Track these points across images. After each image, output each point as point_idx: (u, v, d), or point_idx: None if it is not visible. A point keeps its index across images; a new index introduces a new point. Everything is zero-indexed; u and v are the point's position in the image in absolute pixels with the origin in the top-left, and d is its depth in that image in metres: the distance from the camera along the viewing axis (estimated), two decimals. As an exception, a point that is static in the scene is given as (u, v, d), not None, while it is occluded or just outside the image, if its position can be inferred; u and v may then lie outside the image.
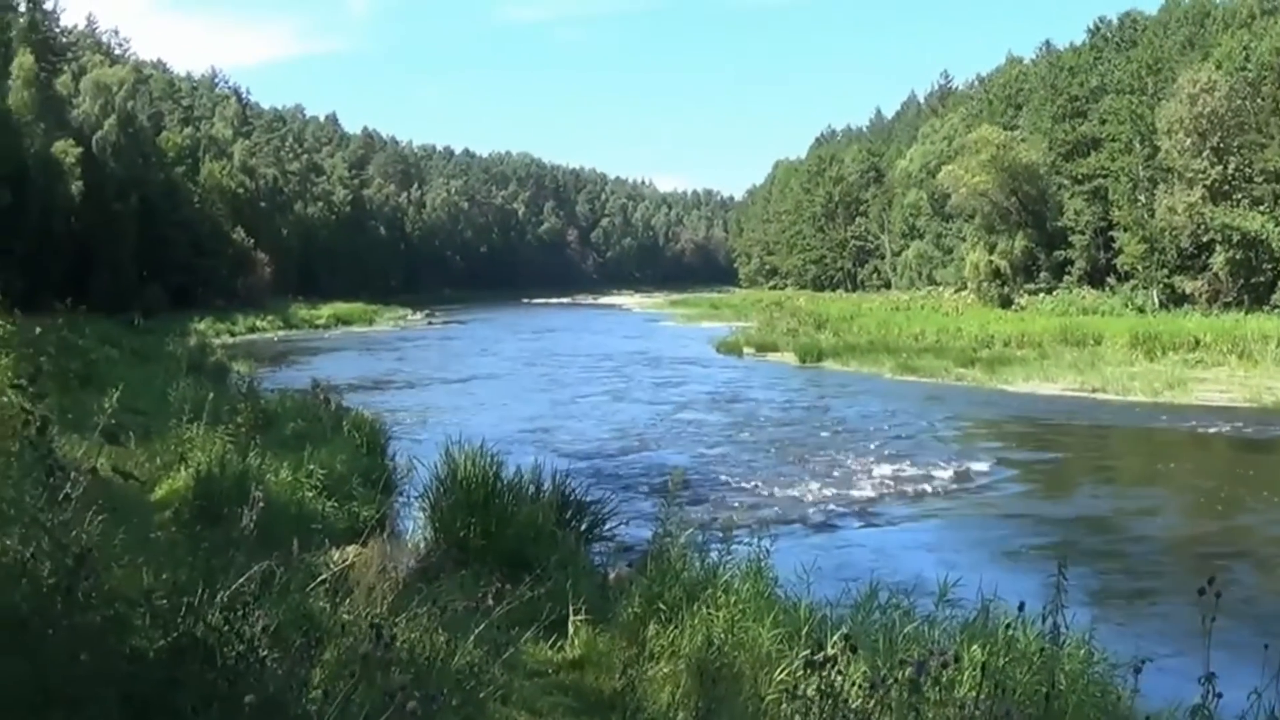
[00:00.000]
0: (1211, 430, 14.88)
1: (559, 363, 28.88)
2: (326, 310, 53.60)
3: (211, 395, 8.95)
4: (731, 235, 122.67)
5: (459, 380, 24.40)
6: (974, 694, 2.69)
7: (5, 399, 4.27)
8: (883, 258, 68.67)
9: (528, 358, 31.22)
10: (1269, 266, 29.95)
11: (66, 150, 35.89)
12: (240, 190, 58.00)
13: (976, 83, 66.19)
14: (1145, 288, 33.76)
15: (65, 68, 43.17)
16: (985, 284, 40.37)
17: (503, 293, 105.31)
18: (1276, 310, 28.62)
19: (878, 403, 19.00)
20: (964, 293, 42.42)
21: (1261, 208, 30.02)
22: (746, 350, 31.20)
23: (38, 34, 39.21)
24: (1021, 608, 3.34)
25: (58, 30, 44.91)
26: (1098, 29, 45.42)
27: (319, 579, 3.94)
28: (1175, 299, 32.57)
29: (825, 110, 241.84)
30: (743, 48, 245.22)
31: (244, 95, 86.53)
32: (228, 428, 7.88)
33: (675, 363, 28.49)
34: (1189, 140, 31.02)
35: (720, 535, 5.93)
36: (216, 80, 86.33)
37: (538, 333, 44.95)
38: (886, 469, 12.15)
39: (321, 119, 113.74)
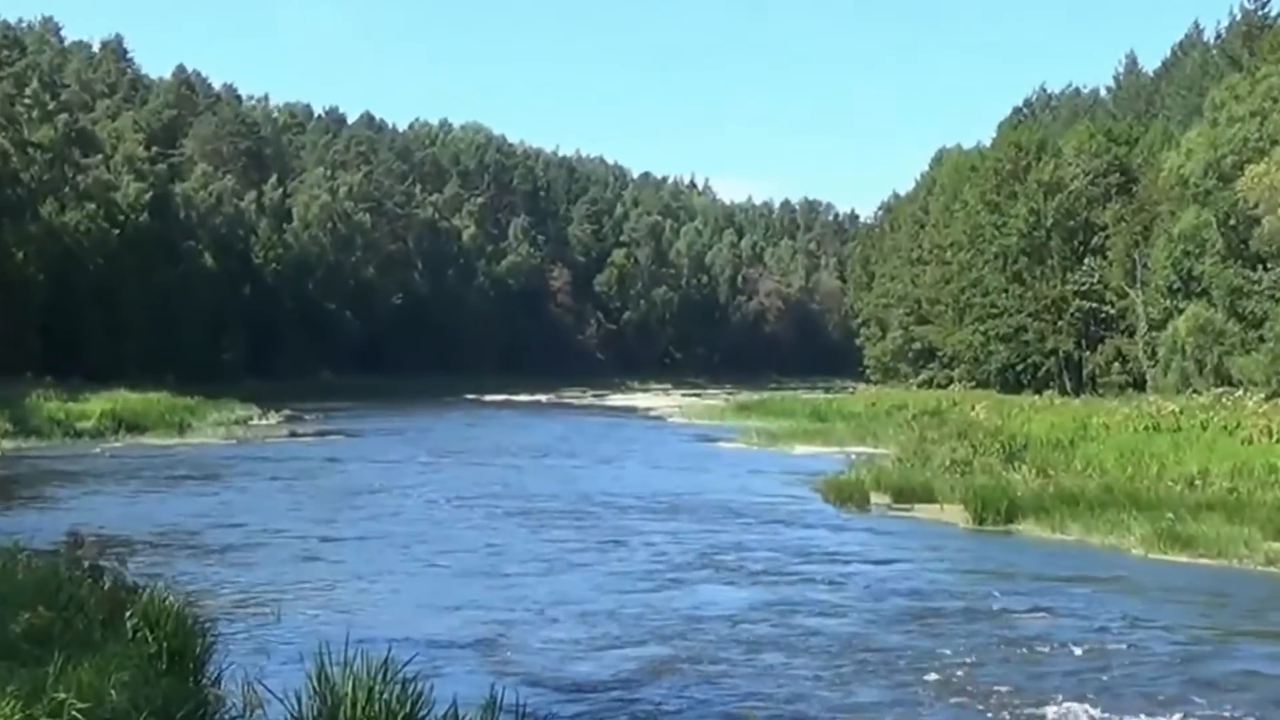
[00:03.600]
0: None
1: (532, 515, 29.68)
2: (99, 404, 53.95)
3: None
4: (851, 285, 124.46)
5: (346, 537, 25.14)
6: None
7: None
8: (1131, 333, 69.32)
9: (473, 498, 32.19)
10: None
11: None
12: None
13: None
14: None
15: None
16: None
17: (432, 381, 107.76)
18: None
19: (1120, 604, 19.04)
20: (1283, 402, 42.57)
21: None
22: (877, 498, 31.90)
23: None
24: None
25: None
26: None
27: None
28: None
29: (1021, 61, 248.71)
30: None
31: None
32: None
33: (743, 518, 29.21)
34: None
35: None
36: None
37: (492, 457, 46.12)
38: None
39: (96, 48, 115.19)
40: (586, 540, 25.16)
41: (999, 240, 77.26)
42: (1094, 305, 72.45)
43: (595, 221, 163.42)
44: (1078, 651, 15.69)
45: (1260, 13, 72.76)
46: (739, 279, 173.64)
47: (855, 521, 28.96)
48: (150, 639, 10.83)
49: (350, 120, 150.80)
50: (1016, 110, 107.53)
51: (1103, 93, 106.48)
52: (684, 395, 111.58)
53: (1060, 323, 73.80)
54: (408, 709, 9.77)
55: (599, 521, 28.23)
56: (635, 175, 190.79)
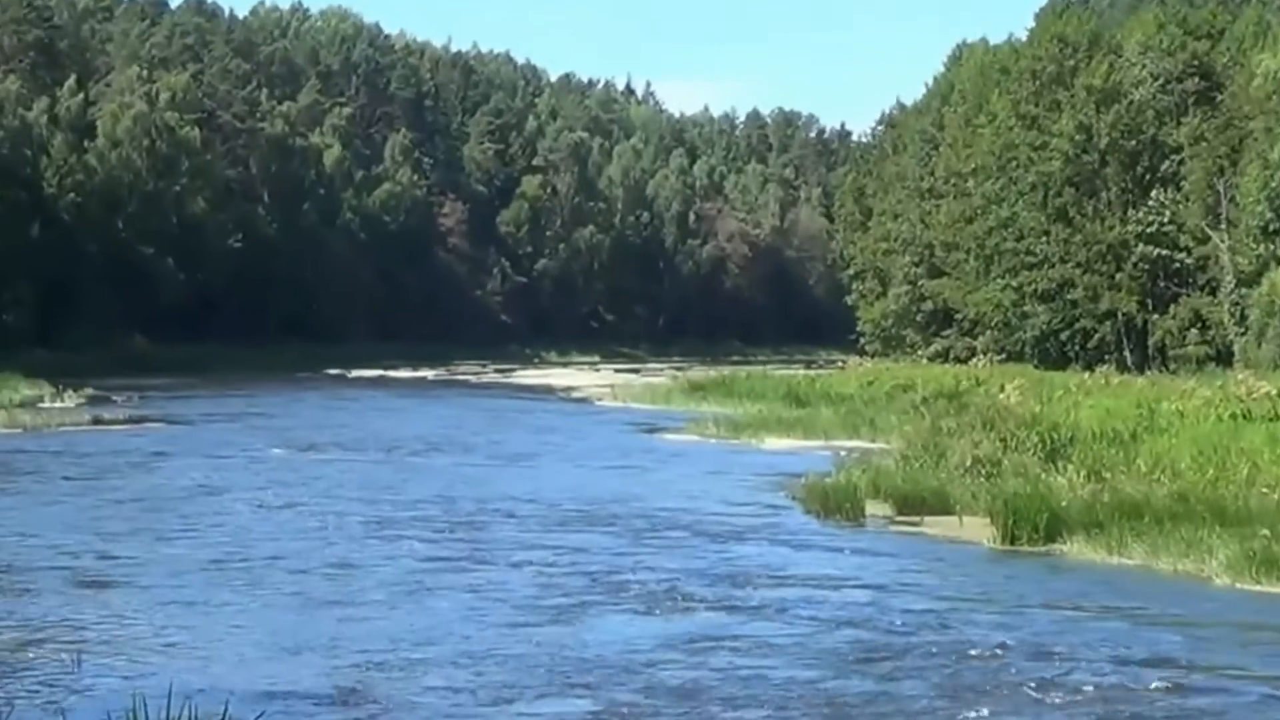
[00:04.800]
0: None
1: (408, 529, 29.74)
2: None
3: None
4: (840, 225, 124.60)
5: (165, 556, 25.17)
6: None
7: None
8: (1213, 290, 69.75)
9: (331, 507, 32.30)
10: None
11: None
12: None
13: None
14: None
15: None
16: None
17: (282, 351, 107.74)
18: None
19: (1200, 652, 18.93)
20: None
21: None
22: (875, 509, 31.96)
23: None
24: None
25: None
26: None
27: None
28: None
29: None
30: None
31: None
32: None
33: (690, 532, 29.35)
34: None
35: None
36: None
37: (358, 453, 46.45)
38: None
39: None
40: (477, 561, 25.30)
41: (1037, 166, 77.50)
42: (1164, 253, 72.87)
43: (500, 139, 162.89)
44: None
45: None
46: (690, 217, 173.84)
47: (844, 539, 28.96)
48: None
49: (173, 4, 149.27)
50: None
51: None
52: (617, 371, 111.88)
53: (1119, 276, 74.17)
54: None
55: (494, 537, 28.33)
56: (553, 78, 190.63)
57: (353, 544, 27.29)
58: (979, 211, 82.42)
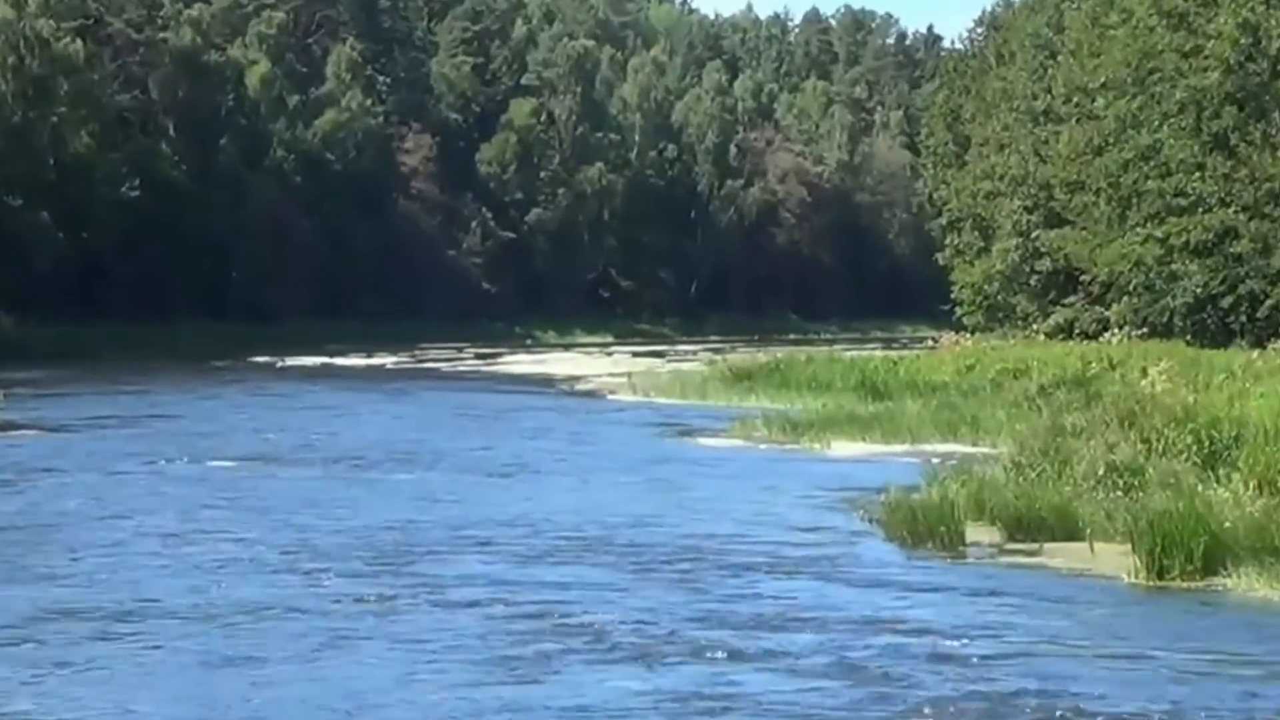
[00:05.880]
0: None
1: (347, 563, 29.95)
2: None
3: None
4: (929, 159, 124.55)
5: (22, 599, 25.32)
6: None
7: None
8: None
9: (249, 535, 32.57)
10: None
11: None
12: None
13: None
14: None
15: None
16: None
17: (195, 332, 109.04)
18: None
19: None
20: None
21: None
22: (979, 534, 32.09)
23: None
24: None
25: None
26: None
27: None
28: None
29: None
30: None
31: None
32: None
33: (733, 567, 29.36)
34: None
35: None
36: None
37: (292, 466, 46.89)
38: None
39: None
40: (432, 604, 25.46)
41: (1188, 79, 77.15)
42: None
43: (479, 51, 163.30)
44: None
45: None
46: (731, 151, 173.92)
47: (938, 574, 29.05)
48: None
49: None
50: None
51: None
52: (635, 355, 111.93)
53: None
54: None
55: (459, 574, 28.40)
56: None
57: (275, 585, 27.34)
58: (1111, 140, 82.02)
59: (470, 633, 23.21)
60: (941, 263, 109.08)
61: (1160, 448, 36.65)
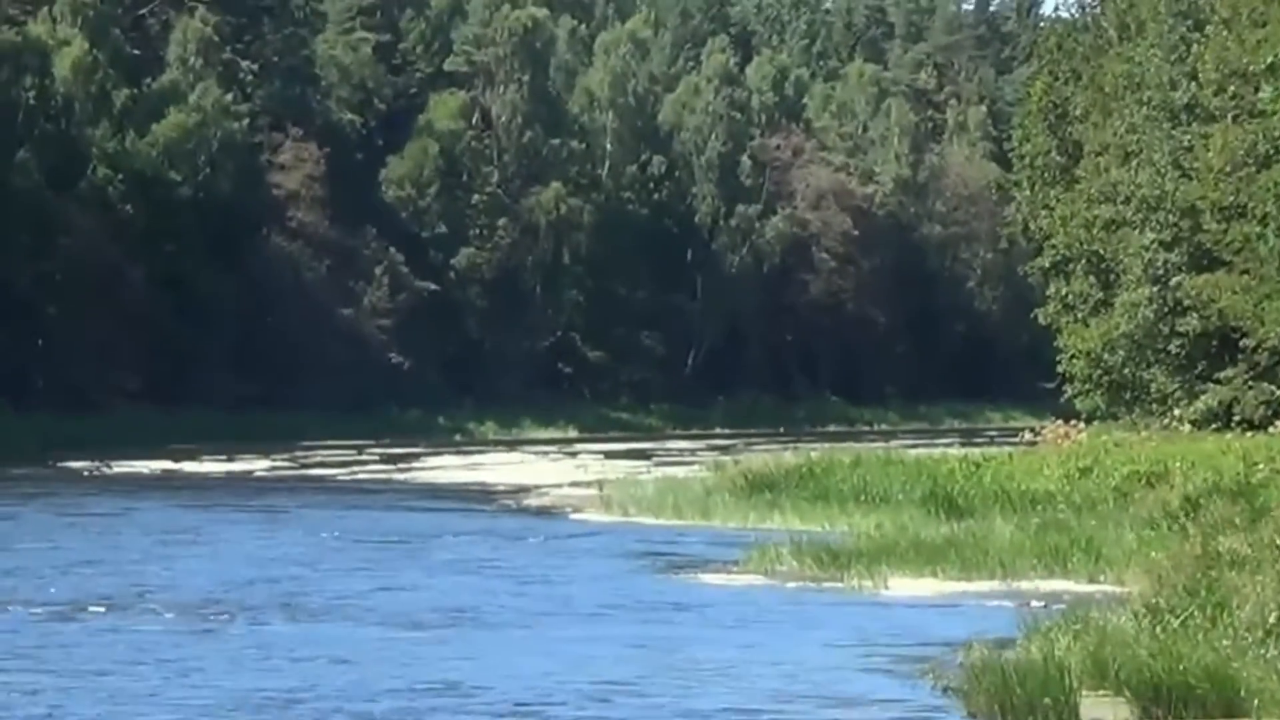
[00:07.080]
0: None
1: None
2: None
3: None
4: (1023, 172, 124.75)
5: None
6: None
7: None
8: None
9: None
10: None
11: None
12: None
13: None
14: None
15: None
16: None
17: None
18: None
19: None
20: None
21: None
22: (1098, 708, 31.90)
23: None
24: None
25: None
26: None
27: None
28: None
29: None
30: None
31: None
32: None
33: None
34: None
35: None
36: None
37: (109, 617, 46.71)
38: None
39: None
40: None
41: None
42: None
43: (383, 25, 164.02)
44: None
45: None
46: (744, 164, 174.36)
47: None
48: None
49: None
50: None
51: None
52: (609, 455, 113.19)
53: None
54: None
55: None
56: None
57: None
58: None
59: None
60: (1043, 322, 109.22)
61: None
